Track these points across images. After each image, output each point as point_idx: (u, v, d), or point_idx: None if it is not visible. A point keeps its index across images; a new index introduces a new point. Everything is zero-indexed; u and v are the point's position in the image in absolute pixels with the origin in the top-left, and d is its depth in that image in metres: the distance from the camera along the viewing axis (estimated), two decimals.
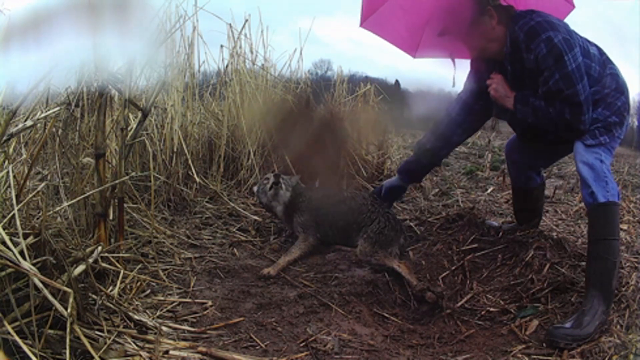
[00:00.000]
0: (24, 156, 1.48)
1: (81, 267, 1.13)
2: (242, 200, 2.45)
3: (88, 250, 1.25)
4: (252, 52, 2.75)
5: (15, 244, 0.99)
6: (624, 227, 2.25)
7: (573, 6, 1.74)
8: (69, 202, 1.45)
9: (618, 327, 1.32)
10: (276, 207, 1.98)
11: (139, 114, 1.60)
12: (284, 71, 2.88)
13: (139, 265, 1.55)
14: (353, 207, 1.92)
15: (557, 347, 1.28)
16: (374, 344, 1.30)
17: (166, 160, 2.23)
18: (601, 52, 1.60)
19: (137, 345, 1.11)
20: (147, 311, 1.30)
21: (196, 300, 1.42)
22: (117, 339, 1.10)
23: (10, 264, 0.94)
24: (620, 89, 1.55)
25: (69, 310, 0.96)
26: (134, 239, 1.72)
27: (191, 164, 2.23)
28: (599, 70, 1.55)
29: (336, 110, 2.83)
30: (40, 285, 0.95)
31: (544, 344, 1.31)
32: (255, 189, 2.08)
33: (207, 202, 2.32)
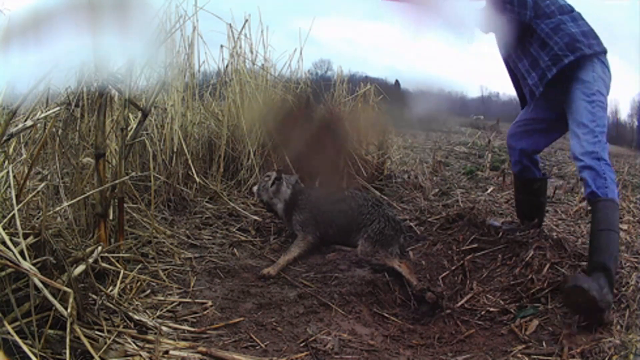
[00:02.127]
0: (24, 156, 1.48)
1: (81, 267, 1.13)
2: (242, 200, 2.45)
3: (88, 250, 1.25)
4: (252, 52, 2.75)
5: (15, 244, 0.99)
6: (624, 227, 2.25)
7: None
8: (69, 202, 1.45)
9: (618, 327, 1.32)
10: (277, 204, 1.98)
11: (139, 114, 1.60)
12: (284, 71, 2.89)
13: (139, 265, 1.55)
14: (353, 207, 1.92)
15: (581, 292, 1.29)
16: (374, 344, 1.30)
17: (166, 160, 2.23)
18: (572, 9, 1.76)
19: (137, 345, 1.11)
20: (147, 311, 1.30)
21: (196, 300, 1.42)
22: (117, 339, 1.10)
23: (10, 264, 0.94)
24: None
25: (69, 310, 0.96)
26: (134, 239, 1.72)
27: (191, 164, 2.23)
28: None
29: (336, 110, 2.83)
30: (40, 285, 0.95)
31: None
32: (255, 188, 2.08)
33: (207, 202, 2.32)
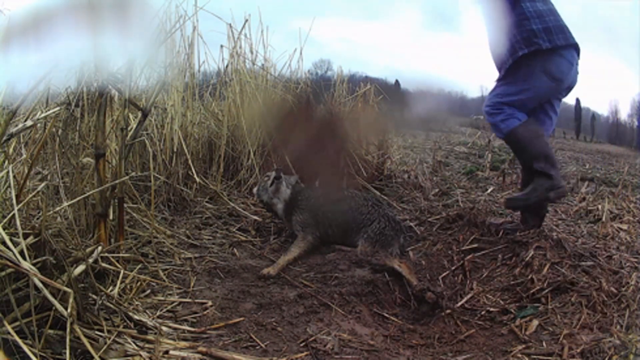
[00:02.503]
0: (24, 156, 1.48)
1: (81, 267, 1.13)
2: (242, 200, 2.45)
3: (88, 250, 1.25)
4: (252, 52, 2.75)
5: (15, 244, 0.99)
6: (624, 227, 2.25)
7: None
8: (69, 202, 1.45)
9: (618, 327, 1.32)
10: (277, 204, 1.98)
11: (139, 114, 1.60)
12: (284, 71, 2.89)
13: (139, 265, 1.55)
14: (353, 207, 1.92)
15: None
16: (374, 344, 1.30)
17: (166, 160, 2.23)
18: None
19: (137, 345, 1.11)
20: (147, 311, 1.30)
21: (196, 300, 1.42)
22: (117, 339, 1.10)
23: (10, 264, 0.94)
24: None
25: (69, 310, 0.96)
26: (134, 239, 1.72)
27: (191, 164, 2.22)
28: None
29: (336, 110, 2.83)
30: (40, 285, 0.95)
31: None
32: (255, 189, 2.08)
33: (207, 202, 2.32)
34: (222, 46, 2.67)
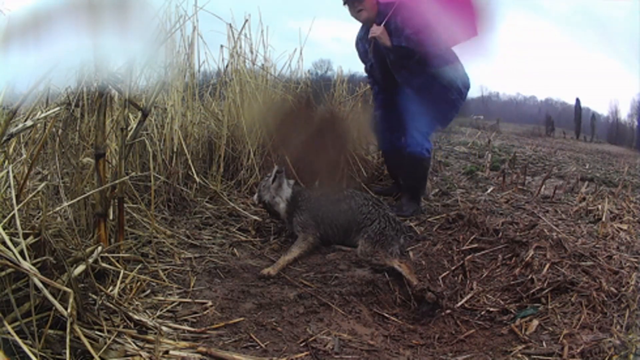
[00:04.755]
0: (24, 156, 1.48)
1: (81, 267, 1.13)
2: (242, 200, 2.45)
3: (88, 250, 1.25)
4: (252, 52, 2.75)
5: (15, 244, 0.99)
6: (624, 227, 2.25)
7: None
8: (69, 202, 1.45)
9: (618, 327, 1.32)
10: (279, 203, 1.97)
11: (139, 114, 1.60)
12: (283, 71, 2.88)
13: (139, 265, 1.55)
14: (353, 207, 1.92)
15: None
16: (374, 344, 1.30)
17: (166, 160, 2.23)
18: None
19: (137, 345, 1.11)
20: (147, 311, 1.30)
21: (196, 300, 1.42)
22: (117, 339, 1.10)
23: (10, 264, 0.94)
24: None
25: (69, 310, 0.96)
26: (134, 239, 1.72)
27: (191, 164, 2.22)
28: None
29: (336, 110, 2.83)
30: (40, 285, 0.95)
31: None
32: (255, 196, 2.07)
33: (207, 202, 2.32)
34: (222, 46, 2.66)
